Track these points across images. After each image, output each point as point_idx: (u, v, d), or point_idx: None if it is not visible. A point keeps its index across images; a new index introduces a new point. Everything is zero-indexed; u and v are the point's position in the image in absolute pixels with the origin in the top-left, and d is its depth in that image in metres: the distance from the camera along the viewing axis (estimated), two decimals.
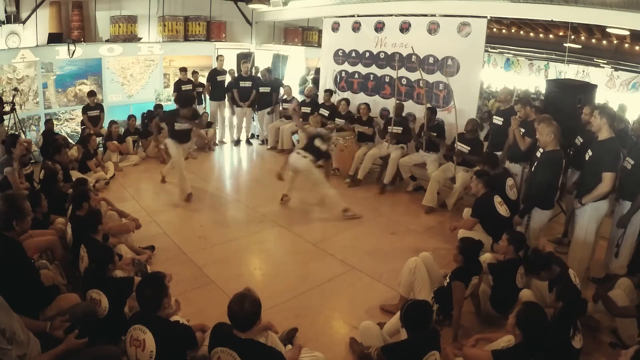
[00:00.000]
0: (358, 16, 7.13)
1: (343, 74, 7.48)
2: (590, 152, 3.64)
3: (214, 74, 7.92)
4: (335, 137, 6.56)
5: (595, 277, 3.77)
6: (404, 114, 6.31)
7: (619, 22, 4.88)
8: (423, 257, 3.34)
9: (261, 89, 7.88)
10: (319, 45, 8.66)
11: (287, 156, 5.43)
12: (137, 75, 8.53)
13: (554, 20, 6.01)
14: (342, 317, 3.38)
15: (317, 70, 8.41)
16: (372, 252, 4.35)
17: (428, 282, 3.22)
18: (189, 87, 7.88)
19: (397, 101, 6.12)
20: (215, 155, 7.73)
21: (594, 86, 5.33)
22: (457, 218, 4.84)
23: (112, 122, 6.89)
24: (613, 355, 2.90)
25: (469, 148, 5.20)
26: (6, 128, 6.25)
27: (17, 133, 6.01)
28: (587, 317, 3.05)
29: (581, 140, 4.20)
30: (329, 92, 7.27)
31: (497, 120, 5.14)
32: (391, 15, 6.72)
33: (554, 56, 13.04)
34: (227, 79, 8.03)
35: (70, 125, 7.94)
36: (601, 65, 12.25)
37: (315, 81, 8.26)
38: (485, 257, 3.38)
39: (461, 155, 5.20)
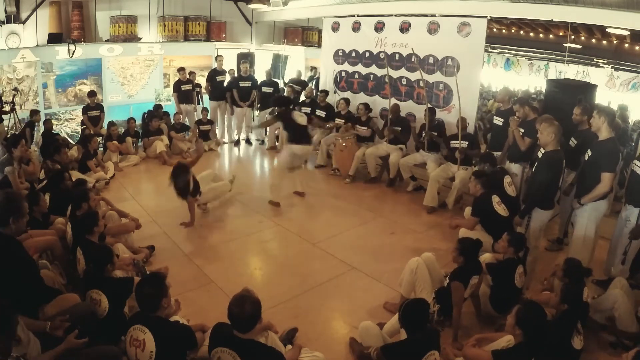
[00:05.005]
0: (358, 16, 7.13)
1: (343, 74, 7.48)
2: (589, 152, 3.64)
3: (214, 74, 7.91)
4: (335, 137, 6.57)
5: (598, 280, 3.76)
6: (403, 114, 6.32)
7: (619, 22, 4.88)
8: (425, 257, 3.34)
9: (264, 89, 7.89)
10: (319, 45, 8.67)
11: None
12: (137, 75, 8.54)
13: (554, 20, 6.01)
14: (342, 317, 3.38)
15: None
16: (372, 252, 4.35)
17: (429, 283, 3.23)
18: (188, 86, 7.88)
19: (392, 100, 6.14)
20: (214, 155, 7.72)
21: (594, 86, 5.34)
22: (457, 217, 4.84)
23: (111, 124, 6.88)
24: (614, 356, 2.90)
25: (467, 142, 5.26)
26: (6, 128, 6.26)
27: (18, 133, 6.02)
28: (587, 318, 3.05)
29: (575, 142, 4.19)
30: (325, 93, 7.28)
31: (497, 120, 5.14)
32: (391, 15, 6.72)
33: (554, 56, 13.04)
34: (227, 79, 8.03)
35: (70, 125, 7.96)
36: (601, 65, 12.25)
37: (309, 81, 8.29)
38: (485, 257, 3.38)
39: (464, 151, 5.22)
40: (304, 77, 9.05)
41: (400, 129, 6.05)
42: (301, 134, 5.30)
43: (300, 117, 5.32)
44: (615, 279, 3.24)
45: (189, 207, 4.73)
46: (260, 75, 8.49)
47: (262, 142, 8.37)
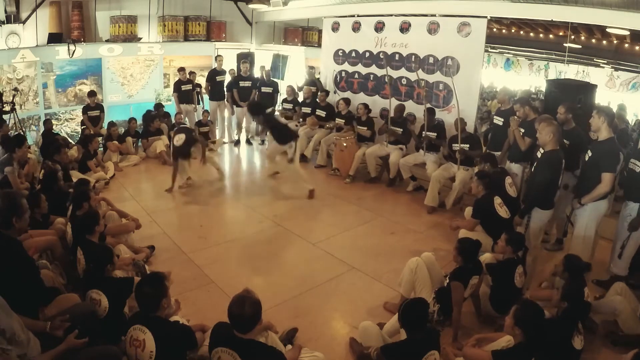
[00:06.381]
0: (358, 16, 7.13)
1: (343, 74, 7.49)
2: (589, 153, 3.64)
3: (214, 74, 7.91)
4: (335, 136, 6.57)
5: (600, 280, 3.76)
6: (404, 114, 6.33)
7: (619, 22, 4.88)
8: (425, 257, 3.34)
9: (263, 89, 7.88)
10: (319, 45, 8.67)
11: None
12: (137, 75, 8.55)
13: (554, 20, 6.01)
14: (342, 317, 3.37)
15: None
16: (372, 252, 4.35)
17: (429, 282, 3.23)
18: (188, 87, 7.87)
19: (396, 101, 6.13)
20: (214, 155, 7.71)
21: (594, 86, 5.34)
22: (457, 217, 4.84)
23: (111, 124, 6.88)
24: (614, 356, 2.90)
25: (468, 145, 5.25)
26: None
27: (22, 133, 6.02)
28: (587, 319, 3.05)
29: (567, 142, 4.19)
30: (325, 93, 7.27)
31: (498, 120, 5.14)
32: (391, 15, 6.73)
33: (554, 56, 13.04)
34: (227, 79, 8.03)
35: (70, 125, 7.96)
36: (601, 65, 12.25)
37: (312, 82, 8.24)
38: (485, 257, 3.38)
39: (464, 152, 5.22)
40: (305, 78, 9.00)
41: (401, 130, 6.04)
42: (284, 134, 5.47)
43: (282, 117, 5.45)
44: (615, 284, 3.24)
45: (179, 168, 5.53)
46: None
47: (263, 142, 8.37)
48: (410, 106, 6.55)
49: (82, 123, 7.27)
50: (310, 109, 7.27)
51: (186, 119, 7.96)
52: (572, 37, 10.46)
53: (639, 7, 4.53)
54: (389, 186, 6.16)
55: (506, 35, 12.55)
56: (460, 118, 5.29)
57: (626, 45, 10.47)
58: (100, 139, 6.78)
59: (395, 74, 6.66)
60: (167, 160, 6.83)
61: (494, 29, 11.76)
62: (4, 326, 1.94)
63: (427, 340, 2.40)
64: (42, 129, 7.00)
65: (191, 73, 8.03)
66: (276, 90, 8.09)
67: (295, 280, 3.80)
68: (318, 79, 7.88)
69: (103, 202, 4.46)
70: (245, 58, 8.60)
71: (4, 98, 6.20)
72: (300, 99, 7.67)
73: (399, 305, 2.69)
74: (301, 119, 7.31)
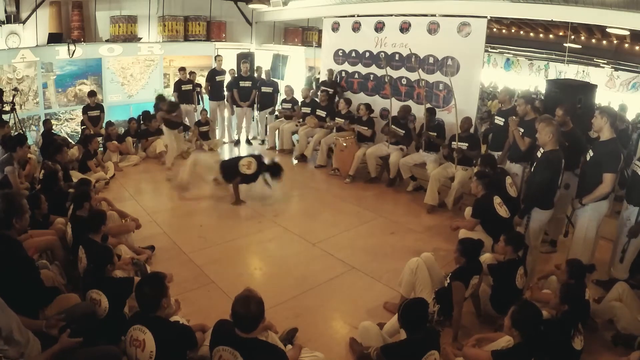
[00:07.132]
0: (358, 16, 7.13)
1: (343, 74, 7.49)
2: (591, 153, 3.64)
3: (213, 74, 7.92)
4: (335, 137, 6.57)
5: (600, 280, 3.76)
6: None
7: (619, 22, 4.88)
8: (424, 257, 3.34)
9: (263, 89, 7.88)
10: (319, 45, 8.66)
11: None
12: (137, 75, 8.55)
13: (554, 20, 6.01)
14: (342, 317, 3.37)
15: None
16: (372, 252, 4.35)
17: (429, 283, 3.23)
18: (189, 86, 7.87)
19: (397, 101, 6.12)
20: (214, 155, 7.71)
21: (594, 86, 5.33)
22: (457, 218, 4.84)
23: (109, 124, 6.86)
24: (614, 357, 2.90)
25: (467, 144, 5.26)
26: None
27: (23, 133, 6.02)
28: (588, 318, 3.04)
29: (566, 143, 4.18)
30: (326, 93, 7.26)
31: (499, 120, 5.12)
32: (391, 15, 6.73)
33: (554, 56, 13.06)
34: (226, 79, 8.03)
35: (70, 125, 7.96)
36: (601, 65, 12.26)
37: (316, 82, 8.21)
38: (485, 258, 3.38)
39: (461, 151, 5.22)
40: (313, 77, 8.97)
41: (403, 132, 6.03)
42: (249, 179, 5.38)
43: (245, 168, 5.27)
44: (617, 284, 3.23)
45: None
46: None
47: (263, 142, 8.37)
48: (410, 106, 6.55)
49: (82, 123, 7.26)
50: (310, 109, 7.27)
51: (186, 118, 7.95)
52: (572, 37, 10.47)
53: (639, 7, 4.53)
54: (389, 186, 6.16)
55: (506, 35, 12.57)
56: (467, 117, 5.29)
57: (626, 45, 10.48)
58: (100, 139, 6.77)
59: (395, 74, 6.65)
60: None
61: (494, 29, 11.78)
62: (1, 325, 1.93)
63: (427, 340, 2.40)
64: (42, 129, 7.00)
65: (191, 73, 8.03)
66: (276, 90, 8.10)
67: (295, 280, 3.80)
68: (336, 80, 7.68)
69: (103, 202, 4.45)
70: (245, 58, 8.59)
71: (4, 98, 6.20)
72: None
73: (399, 305, 2.68)
74: (301, 119, 7.31)
